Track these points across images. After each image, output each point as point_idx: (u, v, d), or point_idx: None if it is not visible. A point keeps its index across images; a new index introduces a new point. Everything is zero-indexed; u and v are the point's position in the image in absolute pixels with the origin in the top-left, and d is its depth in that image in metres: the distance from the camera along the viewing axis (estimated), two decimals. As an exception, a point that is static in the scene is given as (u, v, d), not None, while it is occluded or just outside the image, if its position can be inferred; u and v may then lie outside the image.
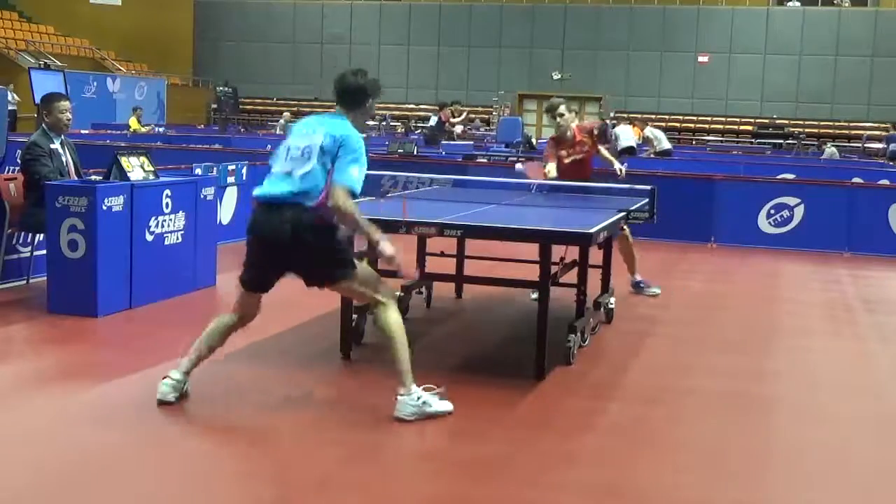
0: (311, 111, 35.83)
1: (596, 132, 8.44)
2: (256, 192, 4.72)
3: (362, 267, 4.77)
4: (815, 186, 12.26)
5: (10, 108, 24.68)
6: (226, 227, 9.77)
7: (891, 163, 21.31)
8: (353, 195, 4.53)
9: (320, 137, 4.59)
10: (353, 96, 4.76)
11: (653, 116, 31.67)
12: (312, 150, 4.59)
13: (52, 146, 6.96)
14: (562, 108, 8.03)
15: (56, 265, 6.45)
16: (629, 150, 18.51)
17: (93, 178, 6.89)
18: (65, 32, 33.48)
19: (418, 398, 4.60)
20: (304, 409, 4.87)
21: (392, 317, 4.70)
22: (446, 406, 4.69)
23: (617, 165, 8.47)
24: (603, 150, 8.48)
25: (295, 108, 35.22)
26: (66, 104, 7.11)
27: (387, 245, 4.60)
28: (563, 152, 8.06)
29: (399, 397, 4.59)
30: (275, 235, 4.56)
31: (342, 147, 4.55)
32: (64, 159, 7.04)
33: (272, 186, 4.65)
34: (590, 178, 8.41)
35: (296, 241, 4.53)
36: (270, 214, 4.59)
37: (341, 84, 4.78)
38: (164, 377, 4.72)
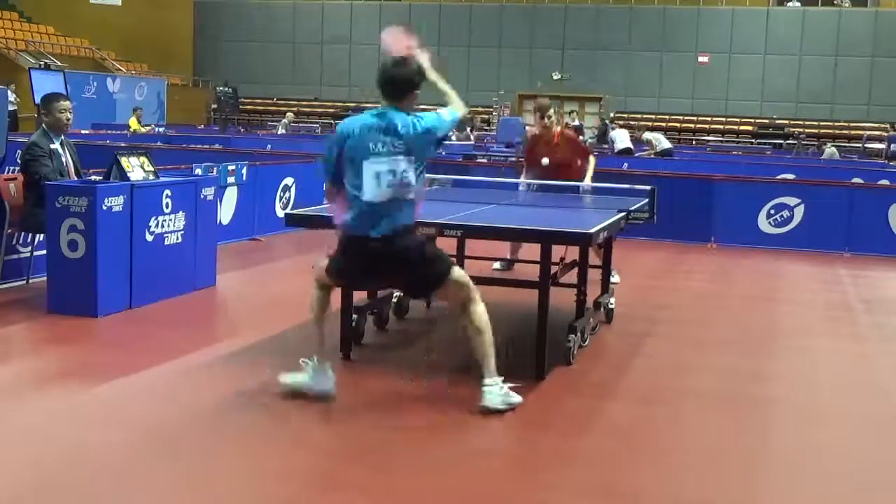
0: (311, 111, 35.90)
1: (581, 140, 8.60)
2: (358, 227, 4.63)
3: (456, 267, 4.86)
4: (815, 187, 12.25)
5: (10, 108, 24.74)
6: (226, 228, 9.78)
7: (891, 162, 21.34)
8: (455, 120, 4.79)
9: (411, 157, 4.60)
10: (406, 89, 4.74)
11: (653, 116, 31.75)
12: (409, 173, 4.60)
13: (52, 146, 6.96)
14: (551, 111, 8.41)
15: (56, 265, 6.45)
16: (626, 152, 18.59)
17: (93, 178, 6.89)
18: (65, 32, 33.48)
19: (502, 390, 4.74)
20: (305, 409, 4.86)
21: (484, 313, 4.82)
22: (519, 397, 4.81)
23: (588, 182, 8.43)
24: (591, 162, 8.55)
25: (295, 108, 35.22)
26: (65, 104, 7.10)
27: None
28: (541, 151, 8.46)
29: (485, 388, 4.72)
30: (396, 264, 4.69)
31: (428, 129, 4.65)
32: (64, 159, 7.04)
33: (378, 223, 4.59)
34: (581, 176, 8.49)
35: (414, 262, 4.69)
36: (387, 246, 4.61)
37: (392, 81, 4.73)
38: (312, 371, 4.86)
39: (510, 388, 4.82)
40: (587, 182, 8.44)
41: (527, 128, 10.47)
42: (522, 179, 8.71)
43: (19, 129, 21.15)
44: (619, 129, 20.27)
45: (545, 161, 8.38)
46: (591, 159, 8.66)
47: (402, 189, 4.61)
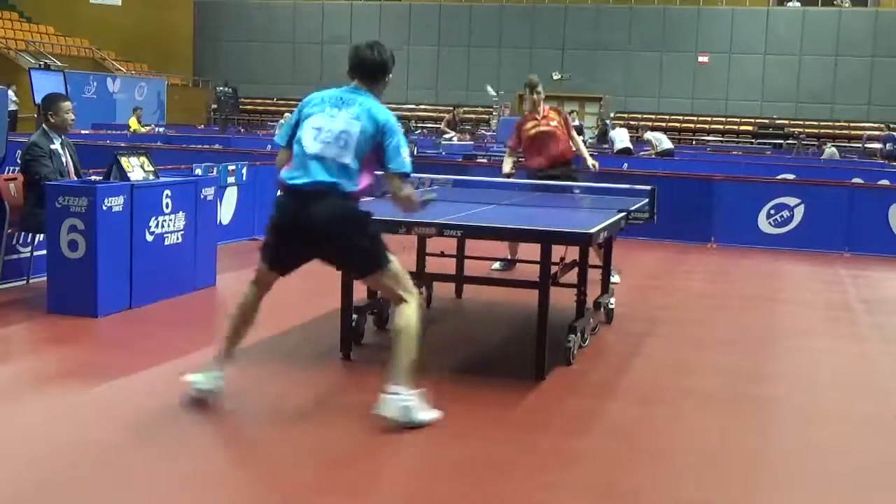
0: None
1: (573, 123, 8.90)
2: (288, 177, 4.53)
3: (395, 261, 4.62)
4: (815, 187, 12.26)
5: (11, 108, 24.75)
6: (226, 228, 9.78)
7: (887, 161, 21.35)
8: (408, 177, 4.50)
9: (358, 123, 4.44)
10: (375, 72, 4.60)
11: (653, 116, 31.74)
12: (350, 136, 4.43)
13: (52, 146, 6.96)
14: (540, 87, 8.57)
15: (56, 265, 6.45)
16: (626, 152, 18.55)
17: (93, 178, 6.90)
18: (65, 32, 33.48)
19: (407, 402, 4.42)
20: (305, 409, 4.86)
21: (414, 315, 4.55)
22: (432, 415, 4.51)
23: (590, 161, 8.75)
24: (577, 138, 8.80)
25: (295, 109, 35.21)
26: (70, 104, 7.16)
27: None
28: (529, 124, 8.59)
29: (387, 395, 4.43)
30: (310, 225, 4.44)
31: (386, 133, 4.45)
32: (64, 160, 7.05)
33: (308, 173, 4.46)
34: (570, 162, 8.69)
35: (333, 231, 4.45)
36: (306, 203, 4.43)
37: (362, 59, 4.59)
38: (202, 371, 4.69)
39: (429, 407, 4.51)
40: (588, 159, 8.72)
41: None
42: (508, 160, 8.76)
43: (17, 129, 21.14)
44: (619, 129, 20.17)
45: (532, 131, 8.53)
46: (579, 138, 8.94)
47: (338, 150, 4.44)
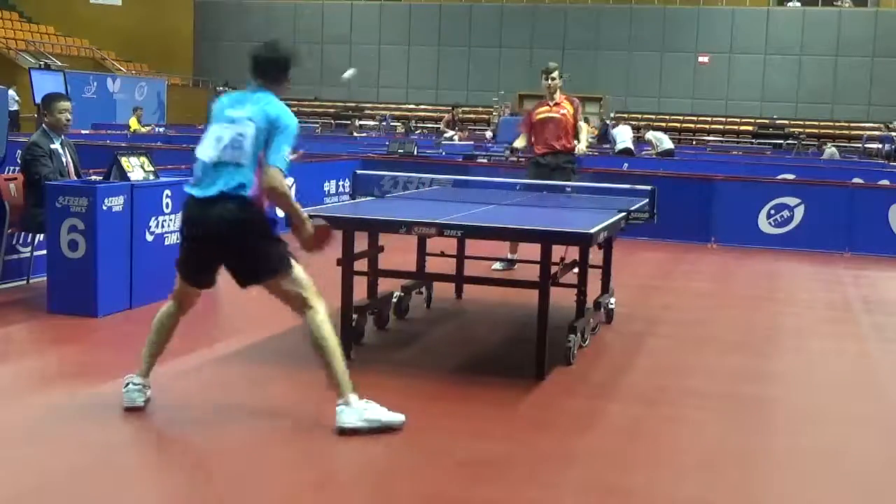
0: (312, 111, 35.91)
1: (580, 116, 8.99)
2: (191, 188, 4.50)
3: (298, 267, 4.53)
4: (816, 187, 12.25)
5: (12, 108, 24.80)
6: (226, 227, 9.76)
7: (887, 161, 21.39)
8: (286, 175, 4.42)
9: (252, 124, 4.42)
10: (276, 70, 4.61)
11: (653, 116, 31.74)
12: (245, 137, 4.42)
13: (52, 146, 6.96)
14: (555, 73, 8.80)
15: (56, 265, 6.45)
16: (627, 152, 18.49)
17: (93, 178, 6.90)
18: (65, 32, 33.49)
19: (364, 407, 4.38)
20: (305, 409, 4.86)
21: (325, 321, 4.45)
22: (398, 417, 4.44)
23: (581, 145, 8.85)
24: (583, 130, 8.90)
25: (295, 109, 35.06)
26: (65, 104, 7.11)
27: (309, 226, 4.53)
28: (540, 109, 8.84)
29: (338, 407, 4.37)
30: (212, 231, 4.41)
31: (277, 127, 4.42)
32: (64, 160, 7.05)
33: (206, 180, 4.43)
34: (570, 153, 8.81)
35: (230, 235, 4.41)
36: (207, 209, 4.40)
37: (261, 58, 4.61)
38: (127, 383, 4.61)
39: (382, 408, 4.44)
40: (582, 146, 8.82)
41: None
42: (521, 138, 9.04)
43: (20, 129, 21.15)
44: (622, 126, 19.91)
45: (540, 116, 8.78)
46: (584, 126, 9.02)
47: (234, 152, 4.42)
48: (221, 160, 4.43)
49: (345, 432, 4.33)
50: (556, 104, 8.80)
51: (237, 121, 4.47)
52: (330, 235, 4.70)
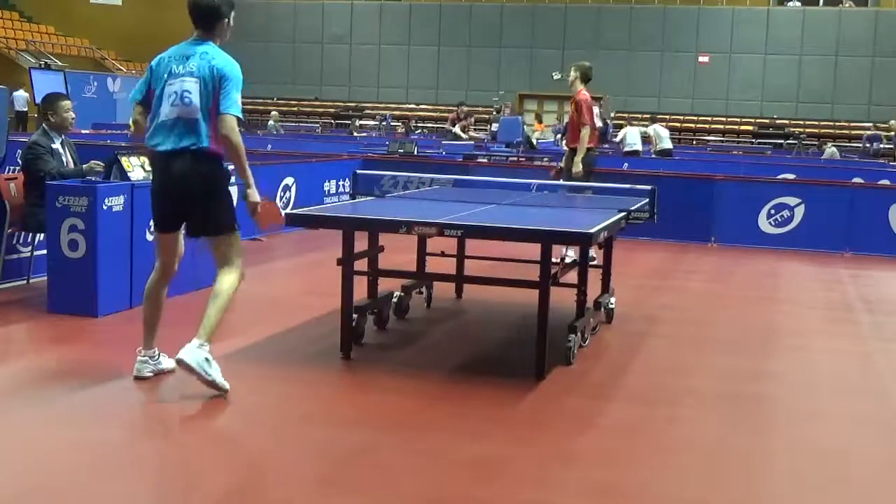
0: (312, 111, 35.85)
1: (592, 114, 9.15)
2: (153, 144, 4.75)
3: (238, 232, 4.91)
4: (816, 186, 12.26)
5: (20, 109, 24.82)
6: (226, 227, 9.76)
7: (873, 159, 21.51)
8: (240, 122, 4.69)
9: (196, 79, 4.66)
10: (211, 17, 4.81)
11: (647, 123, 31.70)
12: (192, 92, 4.65)
13: (52, 146, 6.97)
14: (572, 70, 9.14)
15: (56, 265, 6.45)
16: (634, 153, 18.46)
17: (93, 177, 6.90)
18: (65, 32, 33.50)
19: (208, 356, 4.71)
20: (304, 409, 4.87)
21: (235, 284, 4.86)
22: (223, 382, 4.76)
23: (576, 162, 8.93)
24: (584, 131, 9.01)
25: (296, 109, 35.23)
26: (69, 104, 7.17)
27: (255, 192, 4.81)
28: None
29: (190, 343, 4.69)
30: (175, 185, 4.73)
31: (223, 77, 4.65)
32: (65, 159, 7.06)
33: (168, 137, 4.70)
34: (573, 151, 9.04)
35: (195, 188, 4.73)
36: (170, 164, 4.71)
37: (192, 5, 4.80)
38: (138, 358, 5.02)
39: (219, 374, 4.77)
40: (578, 157, 8.97)
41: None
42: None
43: (27, 129, 21.16)
44: (631, 129, 19.84)
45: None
46: (585, 130, 9.05)
47: (186, 108, 4.67)
48: (178, 117, 4.69)
49: (180, 363, 4.70)
50: (572, 101, 9.14)
51: (182, 76, 4.71)
52: (276, 212, 5.03)
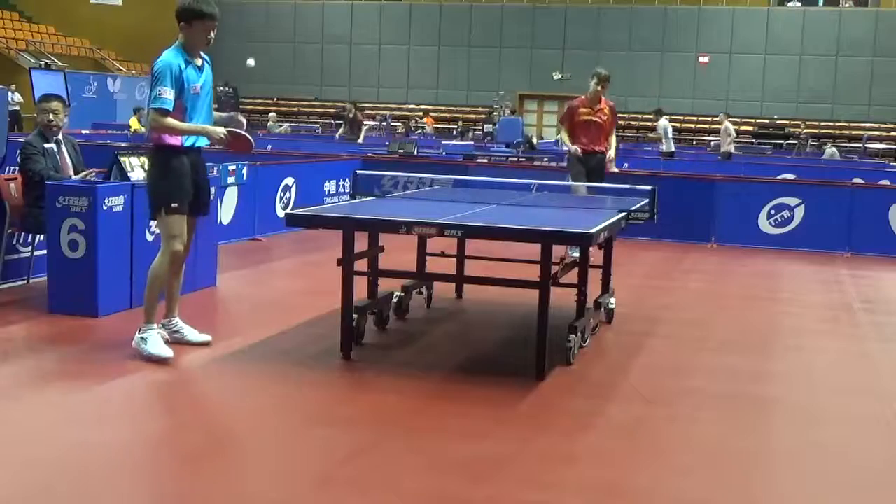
0: (312, 111, 35.90)
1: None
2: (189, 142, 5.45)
3: (176, 217, 5.43)
4: (816, 187, 12.26)
5: (12, 108, 24.85)
6: (226, 227, 9.78)
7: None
8: (165, 112, 5.20)
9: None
10: (179, 20, 5.34)
11: (653, 117, 31.71)
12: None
13: (45, 145, 6.96)
14: (608, 83, 9.53)
15: (56, 265, 6.45)
16: (670, 155, 18.63)
17: (93, 176, 6.90)
18: (65, 32, 33.49)
19: (143, 336, 5.39)
20: (305, 409, 4.87)
21: (162, 265, 5.44)
22: (164, 351, 5.34)
23: (610, 154, 9.64)
24: (614, 136, 9.79)
25: (296, 108, 35.26)
26: (51, 104, 7.03)
27: (217, 129, 5.40)
28: (583, 110, 9.56)
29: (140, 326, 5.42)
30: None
31: (152, 77, 5.27)
32: (59, 158, 7.03)
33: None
34: (604, 153, 9.59)
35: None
36: (199, 156, 5.63)
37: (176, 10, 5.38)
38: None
39: (160, 345, 5.37)
40: (611, 152, 9.67)
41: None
42: (566, 138, 9.80)
43: (22, 129, 21.15)
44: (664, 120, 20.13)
45: (584, 118, 9.51)
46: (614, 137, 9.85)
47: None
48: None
49: (134, 346, 5.39)
50: (599, 109, 9.51)
51: None
52: (244, 139, 5.47)
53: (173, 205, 5.35)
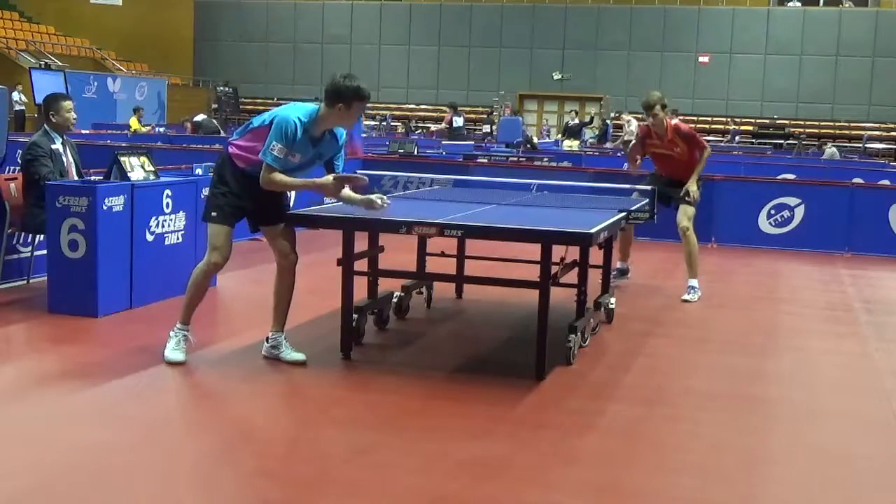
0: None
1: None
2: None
3: (219, 226, 5.48)
4: (816, 187, 12.25)
5: (18, 108, 24.86)
6: (226, 227, 9.76)
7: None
8: (270, 168, 5.18)
9: None
10: (327, 96, 5.23)
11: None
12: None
13: (53, 146, 6.97)
14: (657, 109, 7.97)
15: (56, 265, 6.45)
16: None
17: (93, 178, 6.90)
18: (65, 32, 33.50)
19: (171, 334, 5.43)
20: (305, 408, 4.87)
21: (200, 271, 5.45)
22: (176, 356, 5.36)
23: (692, 187, 8.25)
24: (700, 162, 8.28)
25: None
26: (71, 103, 7.19)
27: (322, 183, 5.33)
28: (655, 142, 8.20)
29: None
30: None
31: (274, 125, 5.21)
32: (65, 160, 7.05)
33: None
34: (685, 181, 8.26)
35: None
36: None
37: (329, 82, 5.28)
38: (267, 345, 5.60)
39: (175, 349, 5.37)
40: (692, 184, 8.25)
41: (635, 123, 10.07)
42: (634, 159, 8.61)
43: (25, 129, 21.14)
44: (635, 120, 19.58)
45: (657, 151, 8.25)
46: (707, 151, 8.38)
47: None
48: None
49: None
50: (670, 140, 8.10)
51: None
52: (352, 179, 5.45)
53: (212, 214, 5.41)
